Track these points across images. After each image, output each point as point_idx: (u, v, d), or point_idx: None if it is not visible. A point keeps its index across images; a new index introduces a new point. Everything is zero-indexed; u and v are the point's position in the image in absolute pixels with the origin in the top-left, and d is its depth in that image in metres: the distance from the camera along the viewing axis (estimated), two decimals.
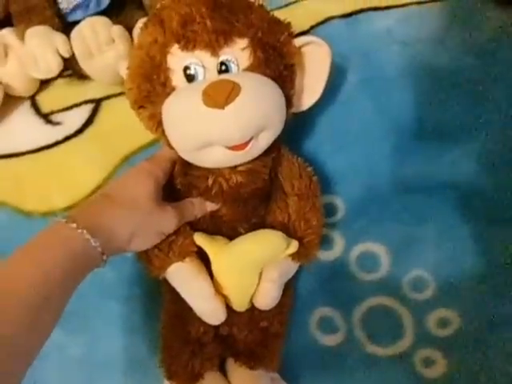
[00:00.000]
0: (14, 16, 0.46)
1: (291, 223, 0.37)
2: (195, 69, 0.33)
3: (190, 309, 0.37)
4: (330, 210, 0.44)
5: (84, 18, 0.46)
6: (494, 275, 0.42)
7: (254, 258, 0.35)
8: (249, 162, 0.36)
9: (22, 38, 0.44)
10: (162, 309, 0.41)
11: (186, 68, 0.33)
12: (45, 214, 0.45)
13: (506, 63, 0.45)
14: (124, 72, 0.36)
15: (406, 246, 0.43)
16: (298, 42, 0.37)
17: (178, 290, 0.37)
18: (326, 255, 0.44)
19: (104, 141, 0.47)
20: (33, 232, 0.43)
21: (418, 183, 0.44)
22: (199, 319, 0.37)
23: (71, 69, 0.47)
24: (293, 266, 0.38)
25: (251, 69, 0.34)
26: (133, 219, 0.33)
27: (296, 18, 0.39)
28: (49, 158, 0.47)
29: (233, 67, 0.34)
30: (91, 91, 0.48)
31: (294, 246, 0.35)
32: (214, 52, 0.33)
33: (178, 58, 0.33)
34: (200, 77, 0.34)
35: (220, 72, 0.34)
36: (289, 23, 0.36)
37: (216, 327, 0.39)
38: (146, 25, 0.35)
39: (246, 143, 0.33)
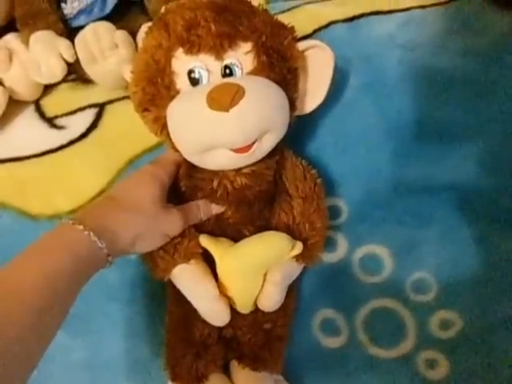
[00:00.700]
0: (19, 21, 0.46)
1: (296, 225, 0.37)
2: (199, 72, 0.34)
3: (194, 311, 0.38)
4: (333, 213, 0.44)
5: (88, 23, 0.46)
6: (495, 277, 0.43)
7: (259, 259, 0.36)
8: (253, 165, 0.36)
9: (26, 43, 0.45)
10: (166, 311, 0.42)
11: (191, 71, 0.34)
12: (50, 217, 0.45)
13: (507, 67, 0.45)
14: (128, 76, 0.37)
15: (408, 248, 0.44)
16: (301, 45, 0.37)
17: (183, 291, 0.37)
18: (329, 257, 0.45)
19: (108, 145, 0.47)
20: (38, 235, 0.44)
21: (420, 186, 0.44)
22: (203, 321, 0.38)
23: (75, 73, 0.47)
24: (297, 268, 0.39)
25: (255, 72, 0.34)
26: (137, 222, 0.33)
27: (299, 22, 0.40)
28: (53, 162, 0.47)
29: (237, 71, 0.34)
30: (95, 95, 0.48)
31: (299, 247, 0.36)
32: (218, 56, 0.34)
33: (182, 62, 0.34)
34: (204, 80, 0.34)
35: (224, 75, 0.34)
36: (292, 27, 0.37)
37: (220, 329, 0.40)
38: (150, 29, 0.36)
39: (250, 146, 0.34)
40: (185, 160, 0.37)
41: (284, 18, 0.38)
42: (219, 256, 0.36)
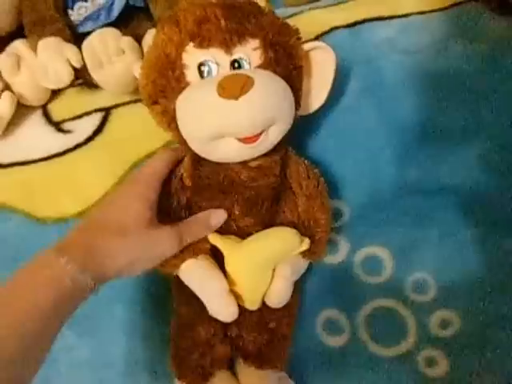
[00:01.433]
0: (27, 28, 0.47)
1: (301, 222, 0.39)
2: (209, 65, 0.35)
3: (200, 311, 0.38)
4: (334, 215, 0.45)
5: (94, 29, 0.47)
6: (493, 278, 0.44)
7: (268, 254, 0.37)
8: (259, 159, 0.37)
9: (34, 49, 0.46)
10: (172, 311, 0.43)
11: (201, 64, 0.35)
12: (57, 220, 0.46)
13: (506, 72, 0.46)
14: (138, 72, 0.38)
15: (408, 249, 0.45)
16: (304, 46, 0.39)
17: (191, 286, 0.38)
18: (331, 259, 0.46)
19: (113, 148, 0.48)
20: (45, 237, 0.45)
21: (420, 188, 0.45)
22: (209, 321, 0.39)
23: (82, 78, 0.48)
24: (303, 264, 0.40)
25: (262, 67, 0.36)
26: (126, 248, 0.32)
27: (302, 27, 0.41)
28: (60, 166, 0.48)
29: (245, 65, 0.36)
30: (101, 100, 0.49)
31: (307, 243, 0.37)
32: (228, 50, 0.35)
33: (192, 55, 0.35)
34: (214, 73, 0.36)
35: (233, 69, 0.36)
36: (297, 29, 0.39)
37: (225, 329, 0.41)
38: (161, 26, 0.37)
39: (257, 136, 0.35)
40: (191, 154, 0.38)
41: None
42: (228, 251, 0.37)
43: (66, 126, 0.49)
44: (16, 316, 0.27)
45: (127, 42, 0.44)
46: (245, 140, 0.34)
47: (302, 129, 0.46)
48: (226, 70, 0.35)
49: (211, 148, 0.35)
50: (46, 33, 0.45)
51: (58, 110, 0.50)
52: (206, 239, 0.38)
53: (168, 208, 0.38)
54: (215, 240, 0.37)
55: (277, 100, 0.34)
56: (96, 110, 0.49)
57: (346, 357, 0.45)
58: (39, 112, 0.50)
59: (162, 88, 0.36)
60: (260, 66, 0.36)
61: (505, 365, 0.43)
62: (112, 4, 0.48)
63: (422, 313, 0.44)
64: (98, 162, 0.48)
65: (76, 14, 0.48)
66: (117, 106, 0.49)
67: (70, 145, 0.48)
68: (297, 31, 0.38)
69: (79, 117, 0.49)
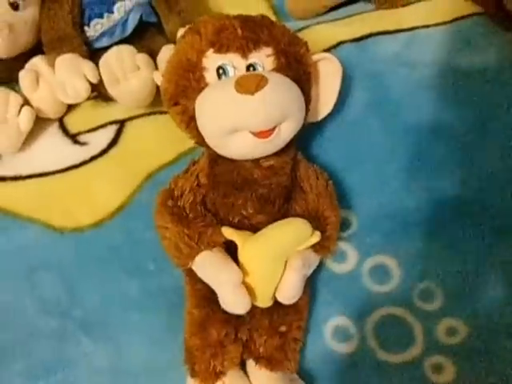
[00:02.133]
0: (46, 46, 0.49)
1: (311, 219, 0.41)
2: (227, 68, 0.39)
3: (212, 313, 0.41)
4: (343, 225, 0.46)
5: (109, 44, 0.49)
6: (499, 287, 0.45)
7: (281, 243, 0.38)
8: (271, 159, 0.41)
9: (52, 65, 0.47)
10: (185, 313, 0.44)
11: (219, 67, 0.39)
12: (73, 230, 0.48)
13: (508, 85, 0.48)
14: (159, 79, 0.42)
15: (415, 259, 0.46)
16: (313, 57, 0.43)
17: (206, 278, 0.40)
18: (340, 268, 0.47)
19: (127, 160, 0.50)
20: (62, 247, 0.47)
21: (427, 199, 0.47)
22: (221, 323, 0.41)
23: (97, 91, 0.49)
24: (314, 259, 0.42)
25: (275, 71, 0.39)
26: None
27: (310, 41, 0.44)
28: (76, 177, 0.49)
29: (259, 69, 0.39)
30: (115, 113, 0.51)
31: (317, 235, 0.39)
32: (244, 55, 0.39)
33: (212, 60, 0.39)
34: (231, 75, 0.39)
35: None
36: (306, 41, 0.42)
37: (236, 331, 0.42)
38: (182, 36, 0.42)
39: (271, 131, 0.38)
40: (208, 156, 0.42)
41: None
42: (242, 243, 0.39)
43: (81, 138, 0.51)
44: None
45: (142, 58, 0.46)
46: (259, 134, 0.37)
47: (310, 141, 0.48)
48: (242, 72, 0.39)
49: (227, 143, 0.38)
50: (64, 50, 0.47)
51: (73, 122, 0.51)
52: (220, 233, 0.40)
53: (185, 204, 0.40)
54: (229, 233, 0.39)
55: (289, 98, 0.38)
56: (111, 123, 0.51)
57: (354, 363, 0.46)
58: (56, 125, 0.51)
59: (183, 88, 0.40)
60: (273, 70, 0.39)
61: (511, 372, 0.44)
62: (126, 20, 0.50)
63: (429, 321, 0.45)
64: (113, 174, 0.49)
65: (92, 30, 0.50)
66: (131, 118, 0.51)
67: (86, 157, 0.50)
68: (306, 43, 0.42)
69: (94, 129, 0.51)
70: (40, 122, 0.50)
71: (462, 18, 0.51)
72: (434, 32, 0.50)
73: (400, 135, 0.48)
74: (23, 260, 0.47)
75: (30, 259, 0.47)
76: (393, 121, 0.48)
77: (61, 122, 0.51)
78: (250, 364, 0.44)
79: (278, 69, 0.39)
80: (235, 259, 0.40)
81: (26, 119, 0.47)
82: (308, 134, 0.47)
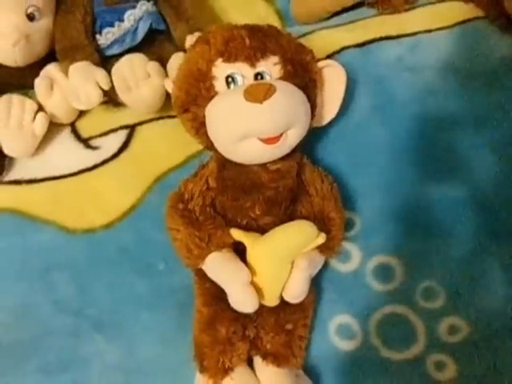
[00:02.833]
0: (59, 54, 0.51)
1: (316, 221, 0.42)
2: (236, 77, 0.41)
3: (220, 311, 0.43)
4: (347, 225, 0.48)
5: (120, 52, 0.51)
6: (500, 286, 0.46)
7: (288, 244, 0.40)
8: (277, 163, 0.42)
9: (65, 72, 0.49)
10: (195, 311, 0.46)
11: (228, 76, 0.41)
12: (85, 231, 0.49)
13: (509, 89, 0.49)
14: (170, 86, 0.44)
15: (418, 258, 0.48)
16: (318, 64, 0.44)
17: (215, 278, 0.42)
18: (344, 267, 0.48)
19: (138, 163, 0.51)
20: (75, 248, 0.49)
21: (430, 200, 0.48)
22: (229, 321, 0.43)
23: (108, 97, 0.51)
24: (319, 259, 0.44)
25: (282, 79, 0.41)
26: None
27: (314, 46, 0.45)
28: (88, 180, 0.51)
29: (267, 77, 0.41)
30: (126, 117, 0.53)
31: (323, 236, 0.41)
32: (252, 64, 0.41)
33: (221, 69, 0.41)
34: (239, 83, 0.41)
35: (256, 80, 0.41)
36: (311, 49, 0.44)
37: (244, 328, 0.44)
38: (193, 45, 0.43)
39: (278, 137, 0.39)
40: (217, 160, 0.43)
41: None
42: (250, 244, 0.40)
43: (93, 142, 0.52)
44: None
45: (153, 66, 0.48)
46: (267, 141, 0.39)
47: (316, 144, 0.50)
48: (251, 81, 0.41)
49: (237, 149, 0.40)
50: (77, 57, 0.49)
51: (85, 127, 0.53)
52: (229, 234, 0.41)
53: (195, 206, 0.42)
54: (238, 235, 0.41)
55: (295, 105, 0.39)
56: (121, 127, 0.52)
57: (358, 360, 0.47)
58: (68, 130, 0.53)
59: (193, 97, 0.41)
60: (280, 78, 0.41)
61: (511, 370, 0.46)
62: (136, 28, 0.51)
63: (431, 319, 0.47)
64: (124, 177, 0.51)
65: (104, 38, 0.52)
66: (141, 123, 0.52)
67: (98, 160, 0.51)
68: (311, 51, 0.44)
69: (106, 134, 0.52)
70: (53, 127, 0.52)
71: (464, 22, 0.52)
72: (437, 36, 0.52)
73: (403, 138, 0.49)
74: (38, 261, 0.49)
75: (45, 260, 0.49)
76: (396, 124, 0.49)
77: (73, 127, 0.53)
78: (257, 360, 0.45)
79: (285, 77, 0.41)
80: (244, 260, 0.41)
81: (40, 125, 0.49)
82: (313, 138, 0.48)
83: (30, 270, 0.49)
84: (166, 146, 0.52)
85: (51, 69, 0.51)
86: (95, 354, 0.48)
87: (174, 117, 0.48)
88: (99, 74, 0.48)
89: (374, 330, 0.47)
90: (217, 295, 0.43)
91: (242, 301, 0.41)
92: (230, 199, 0.43)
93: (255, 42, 0.41)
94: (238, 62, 0.40)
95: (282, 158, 0.42)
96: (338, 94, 0.46)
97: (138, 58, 0.48)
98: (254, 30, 0.42)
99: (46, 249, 0.49)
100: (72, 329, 0.49)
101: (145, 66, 0.48)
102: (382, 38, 0.52)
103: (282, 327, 0.44)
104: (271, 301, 0.42)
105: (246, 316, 0.43)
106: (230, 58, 0.40)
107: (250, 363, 0.46)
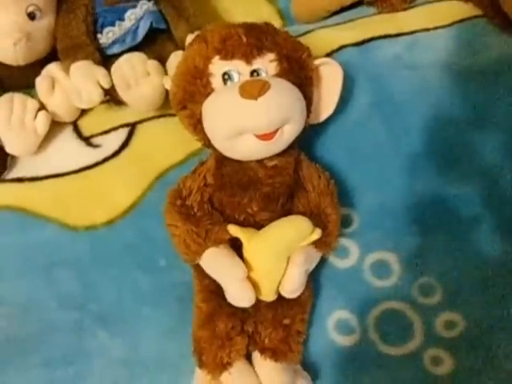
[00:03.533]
0: (61, 53, 0.51)
1: (312, 217, 0.43)
2: (232, 74, 0.41)
3: (219, 307, 0.43)
4: (345, 221, 0.48)
5: (121, 51, 0.52)
6: (496, 282, 0.47)
7: (283, 239, 0.41)
8: (274, 159, 0.43)
9: (67, 71, 0.50)
10: (194, 307, 0.46)
11: (225, 73, 0.41)
12: (87, 228, 0.50)
13: (506, 87, 0.49)
14: (169, 84, 0.45)
15: (415, 255, 0.48)
16: (314, 62, 0.45)
17: (213, 274, 0.42)
18: (342, 263, 0.49)
19: (138, 161, 0.52)
20: (77, 245, 0.50)
21: (428, 197, 0.49)
22: (227, 316, 0.43)
23: (109, 95, 0.51)
24: (315, 255, 0.44)
25: (278, 76, 0.42)
26: None
27: (312, 45, 0.46)
28: (90, 178, 0.51)
29: (263, 74, 0.42)
30: (127, 116, 0.53)
31: (318, 232, 0.41)
32: (248, 61, 0.41)
33: (218, 66, 0.41)
34: (236, 80, 0.41)
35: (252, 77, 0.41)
36: (307, 46, 0.45)
37: (242, 324, 0.45)
38: (190, 43, 0.44)
39: (273, 133, 0.40)
40: (215, 157, 0.44)
41: None
42: (247, 239, 0.41)
43: (94, 140, 0.53)
44: None
45: (153, 65, 0.48)
46: (262, 137, 0.40)
47: (314, 141, 0.50)
48: (247, 78, 0.41)
49: (233, 145, 0.41)
50: (78, 57, 0.49)
51: (87, 125, 0.53)
52: (226, 230, 0.42)
53: (193, 203, 0.43)
54: (235, 231, 0.42)
55: (290, 102, 0.40)
56: (122, 126, 0.53)
57: (356, 355, 0.48)
58: (70, 128, 0.53)
59: (190, 93, 0.42)
60: (276, 75, 0.42)
61: (507, 364, 0.46)
62: (137, 27, 0.52)
63: (428, 315, 0.47)
64: (125, 174, 0.51)
65: (104, 37, 0.52)
66: (142, 121, 0.53)
67: (99, 158, 0.52)
68: (308, 49, 0.44)
69: (107, 132, 0.53)
70: (55, 126, 0.52)
71: (462, 21, 0.53)
72: (435, 35, 0.52)
73: (401, 135, 0.49)
74: (41, 257, 0.50)
75: (48, 256, 0.50)
76: (394, 121, 0.50)
77: (75, 125, 0.53)
78: (256, 355, 0.46)
79: (281, 74, 0.42)
80: (240, 255, 0.42)
81: (42, 123, 0.49)
82: (311, 135, 0.49)
83: (32, 266, 0.50)
84: (166, 144, 0.52)
85: (52, 68, 0.51)
86: (98, 349, 0.49)
87: (174, 115, 0.48)
88: (100, 72, 0.48)
89: (372, 325, 0.48)
90: (215, 291, 0.43)
91: (239, 296, 0.42)
92: (228, 195, 0.43)
93: (252, 39, 0.41)
94: (234, 59, 0.41)
95: (279, 155, 0.43)
96: (335, 92, 0.46)
97: (137, 57, 0.49)
98: (250, 28, 0.42)
99: (48, 246, 0.50)
100: (75, 324, 0.49)
101: (144, 64, 0.48)
102: (380, 37, 0.53)
103: (279, 322, 0.45)
104: (268, 296, 0.43)
105: (244, 311, 0.44)
106: (226, 55, 0.41)
107: (249, 359, 0.46)
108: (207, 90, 0.42)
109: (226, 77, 0.42)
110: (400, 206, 0.49)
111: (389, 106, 0.50)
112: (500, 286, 0.47)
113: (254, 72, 0.42)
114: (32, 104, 0.49)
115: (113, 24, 0.52)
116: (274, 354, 0.44)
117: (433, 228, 0.48)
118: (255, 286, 0.42)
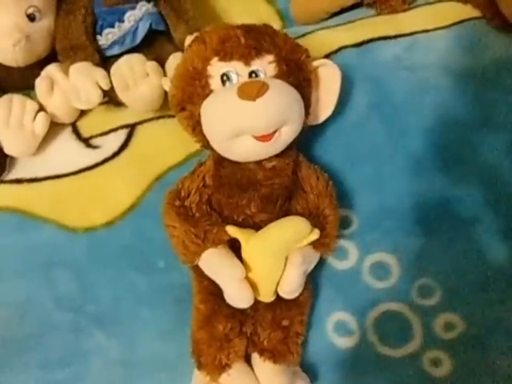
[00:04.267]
0: (60, 54, 0.51)
1: (311, 218, 0.43)
2: (231, 75, 0.41)
3: (217, 308, 0.43)
4: (344, 223, 0.48)
5: (120, 53, 0.52)
6: (495, 284, 0.47)
7: (282, 240, 0.41)
8: (273, 161, 0.43)
9: (66, 72, 0.50)
10: (193, 308, 0.46)
11: (224, 75, 0.41)
12: (87, 229, 0.50)
13: (505, 88, 0.49)
14: (167, 85, 0.45)
15: (414, 256, 0.48)
16: (313, 64, 0.45)
17: (211, 274, 0.43)
18: (341, 265, 0.49)
19: (138, 162, 0.52)
20: (76, 246, 0.49)
21: (426, 198, 0.49)
22: (226, 317, 0.43)
23: (108, 96, 0.51)
24: (313, 256, 0.44)
25: (276, 77, 0.42)
26: None
27: (312, 47, 0.46)
28: (89, 179, 0.51)
29: (261, 75, 0.42)
30: (126, 117, 0.53)
31: (316, 232, 0.41)
32: (247, 62, 0.41)
33: (216, 67, 0.41)
34: (234, 81, 0.41)
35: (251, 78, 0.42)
36: (306, 48, 0.45)
37: (241, 325, 0.44)
38: (189, 45, 0.44)
39: (271, 134, 0.40)
40: (214, 157, 0.44)
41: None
42: (245, 240, 0.41)
43: (94, 141, 0.52)
44: None
45: (151, 66, 0.48)
46: (261, 138, 0.40)
47: (313, 142, 0.50)
48: (245, 79, 0.41)
49: (231, 146, 0.41)
50: (77, 58, 0.49)
51: (86, 126, 0.53)
52: (224, 231, 0.42)
53: (191, 204, 0.43)
54: (233, 231, 0.42)
55: (288, 103, 0.40)
56: (122, 127, 0.53)
57: (355, 357, 0.47)
58: (69, 129, 0.53)
59: (189, 95, 0.42)
60: (274, 77, 0.42)
61: (506, 366, 0.46)
62: (136, 29, 0.52)
63: (427, 316, 0.47)
64: (124, 175, 0.51)
65: (104, 39, 0.52)
66: (141, 122, 0.53)
67: (98, 159, 0.52)
68: (307, 50, 0.44)
69: (106, 133, 0.53)
70: (54, 127, 0.52)
71: (461, 22, 0.53)
72: (434, 36, 0.53)
73: (400, 136, 0.50)
74: (39, 258, 0.50)
75: (46, 257, 0.50)
76: (393, 122, 0.50)
77: (74, 126, 0.53)
78: (255, 357, 0.46)
79: (279, 75, 0.42)
80: (239, 256, 0.42)
81: (41, 124, 0.49)
82: (311, 136, 0.49)
83: (31, 267, 0.50)
84: (166, 145, 0.52)
85: (52, 69, 0.51)
86: (96, 350, 0.49)
87: (173, 116, 0.48)
88: (99, 74, 0.48)
89: (371, 326, 0.48)
90: (214, 292, 0.43)
91: (237, 296, 0.42)
92: (226, 196, 0.44)
93: (250, 40, 0.41)
94: (233, 60, 0.41)
95: (278, 156, 0.43)
96: (333, 93, 0.46)
97: (136, 58, 0.49)
98: (249, 30, 0.42)
99: (47, 247, 0.50)
100: (73, 325, 0.49)
101: (143, 65, 0.48)
102: (379, 38, 0.53)
103: (278, 324, 0.44)
104: (266, 296, 0.43)
105: (242, 313, 0.44)
106: (225, 56, 0.41)
107: (248, 360, 0.46)
108: (206, 92, 0.42)
109: (225, 78, 0.42)
110: (399, 207, 0.49)
111: (388, 107, 0.50)
112: (499, 287, 0.47)
113: (252, 73, 0.42)
114: (31, 105, 0.49)
115: (112, 25, 0.52)
116: (273, 355, 0.44)
117: (432, 229, 0.48)
118: (254, 286, 0.42)
